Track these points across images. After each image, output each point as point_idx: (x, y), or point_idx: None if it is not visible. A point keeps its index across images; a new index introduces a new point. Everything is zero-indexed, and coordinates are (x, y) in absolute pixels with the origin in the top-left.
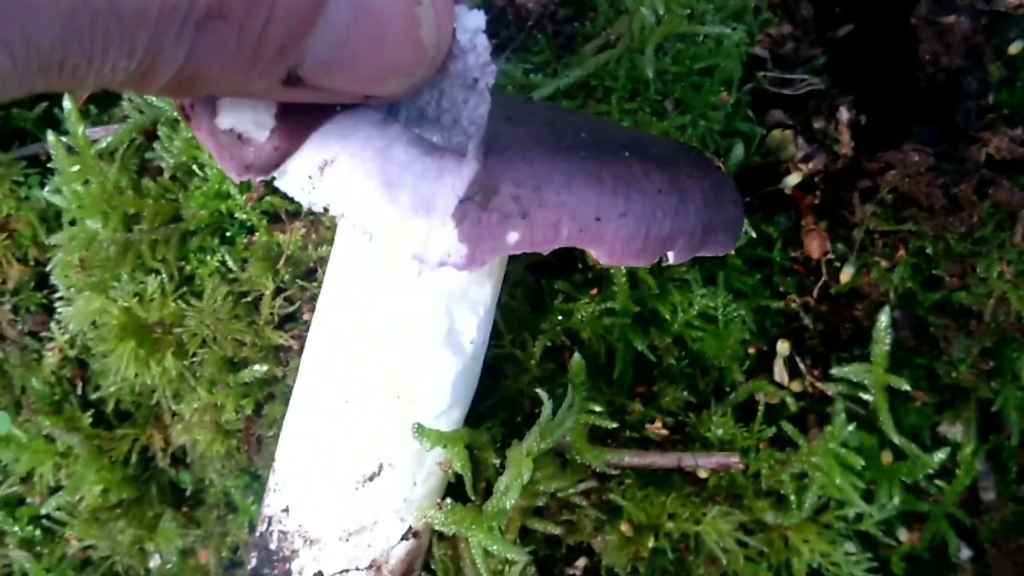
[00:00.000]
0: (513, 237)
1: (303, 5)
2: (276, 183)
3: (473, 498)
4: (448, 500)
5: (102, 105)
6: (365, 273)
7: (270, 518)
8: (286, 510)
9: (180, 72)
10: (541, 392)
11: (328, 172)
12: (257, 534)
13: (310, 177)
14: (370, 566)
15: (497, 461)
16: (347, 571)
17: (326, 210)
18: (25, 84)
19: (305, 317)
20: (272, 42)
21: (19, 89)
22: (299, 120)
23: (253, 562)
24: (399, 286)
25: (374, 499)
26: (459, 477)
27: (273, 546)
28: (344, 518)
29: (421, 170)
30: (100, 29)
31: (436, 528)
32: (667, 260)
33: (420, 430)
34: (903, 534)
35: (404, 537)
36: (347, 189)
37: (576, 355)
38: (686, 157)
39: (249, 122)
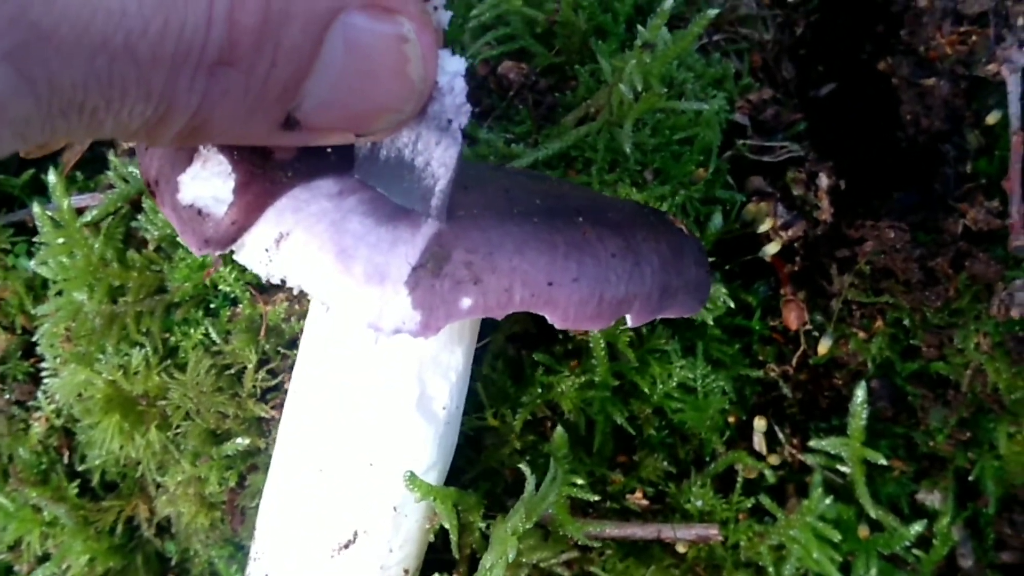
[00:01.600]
0: (466, 303)
1: (303, 48)
2: (235, 256)
3: (457, 558)
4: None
5: (89, 171)
6: (334, 342)
7: None
8: None
9: (193, 118)
10: (524, 467)
11: (284, 245)
12: None
13: (266, 250)
14: None
15: (483, 525)
16: None
17: (283, 282)
18: (47, 126)
19: (286, 387)
20: (276, 86)
21: (41, 132)
22: (256, 194)
23: None
24: (368, 354)
25: (349, 566)
26: (437, 542)
27: None
28: None
29: (375, 240)
30: (118, 71)
31: None
32: (625, 323)
33: (413, 479)
34: None
35: None
36: (302, 261)
37: (559, 428)
38: (644, 220)
39: (208, 197)
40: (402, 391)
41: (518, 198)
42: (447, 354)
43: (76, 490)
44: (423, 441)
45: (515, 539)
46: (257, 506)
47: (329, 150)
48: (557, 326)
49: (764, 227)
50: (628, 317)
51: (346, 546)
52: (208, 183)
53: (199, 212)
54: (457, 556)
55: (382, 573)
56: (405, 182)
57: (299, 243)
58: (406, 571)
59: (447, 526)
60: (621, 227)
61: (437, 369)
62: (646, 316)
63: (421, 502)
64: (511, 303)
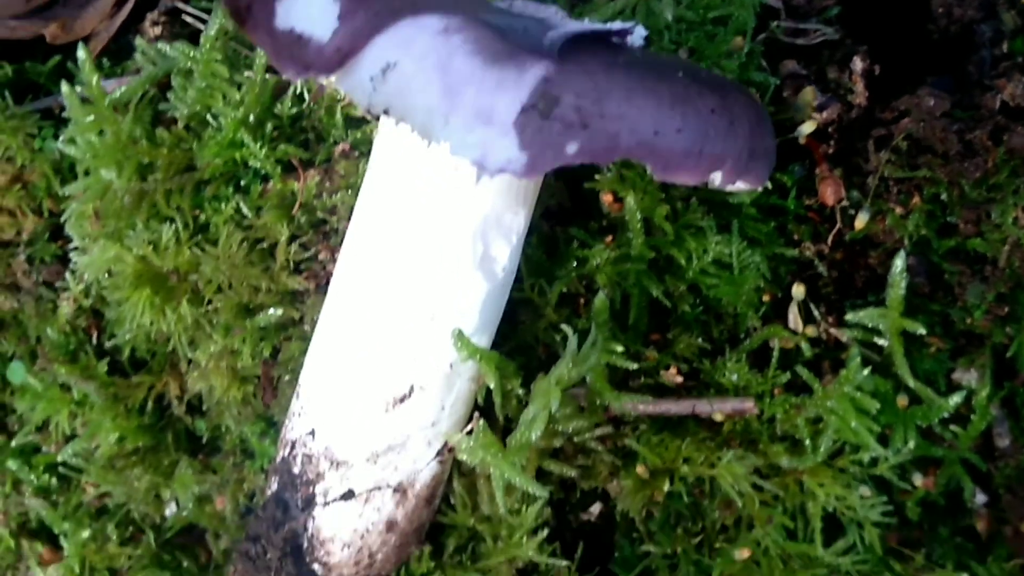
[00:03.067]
0: (573, 147)
1: None
2: (336, 83)
3: (500, 419)
4: (481, 421)
5: (115, 58)
6: (403, 194)
7: (293, 442)
8: (311, 433)
9: None
10: (567, 328)
11: (390, 76)
12: (278, 459)
13: (371, 79)
14: (396, 488)
15: (521, 391)
16: (374, 491)
17: (386, 112)
18: None
19: (320, 258)
20: None
21: None
22: (362, 22)
23: (274, 486)
24: (438, 208)
25: (403, 421)
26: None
27: (296, 469)
28: (373, 440)
29: (482, 79)
30: None
31: (460, 456)
32: (712, 182)
33: (460, 338)
34: (918, 479)
35: (431, 461)
36: (408, 93)
37: (599, 294)
38: (733, 85)
39: (310, 23)
40: (467, 248)
41: (619, 49)
42: (511, 215)
43: (105, 368)
44: (480, 301)
45: (558, 390)
46: (290, 380)
47: None
48: (656, 176)
49: (809, 125)
50: (718, 175)
51: (401, 400)
52: (310, 7)
53: (299, 37)
54: (500, 419)
55: (432, 431)
56: (520, 19)
57: (406, 75)
58: (452, 432)
59: (491, 385)
60: (716, 86)
61: (500, 229)
62: (732, 177)
63: (470, 362)
64: (616, 150)
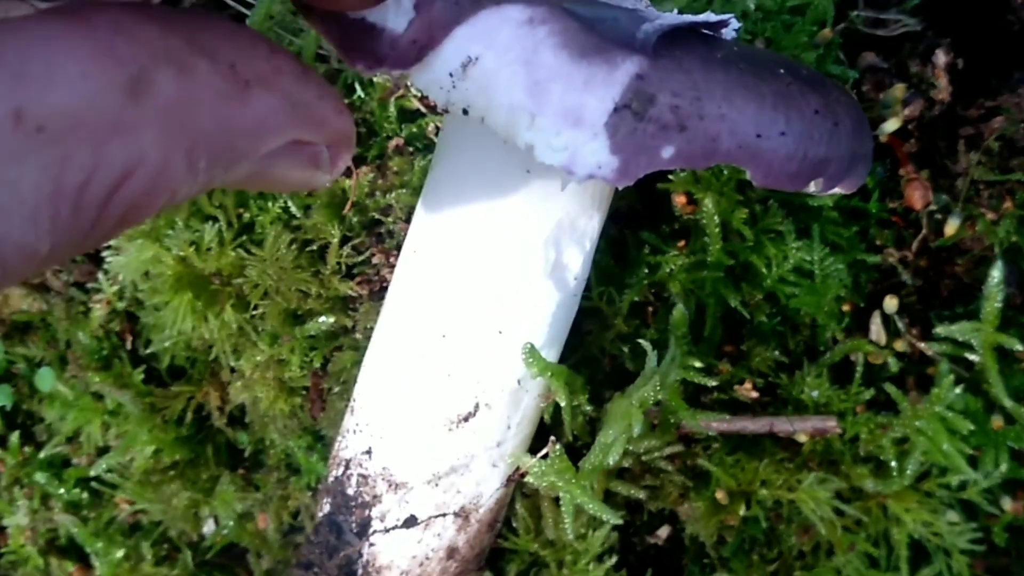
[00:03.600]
0: (669, 151)
1: None
2: (411, 80)
3: (569, 438)
4: (558, 445)
5: None
6: (472, 198)
7: (348, 461)
8: (368, 452)
9: None
10: (645, 343)
11: (471, 71)
12: (331, 479)
13: (451, 75)
14: (458, 513)
15: (589, 408)
16: (435, 518)
17: (465, 111)
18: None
19: (374, 262)
20: None
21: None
22: (440, 12)
23: (326, 508)
24: (508, 213)
25: (468, 441)
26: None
27: (351, 491)
28: (434, 461)
29: (569, 76)
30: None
31: (530, 479)
32: (812, 188)
33: (532, 352)
34: (1007, 503)
35: (495, 484)
36: (490, 90)
37: (679, 306)
38: (833, 83)
39: (383, 12)
40: (538, 256)
41: (714, 42)
42: (585, 219)
43: (142, 376)
44: (551, 312)
45: (640, 412)
46: (341, 391)
47: None
48: (756, 183)
49: (893, 123)
50: (818, 182)
51: (466, 419)
52: None
53: (371, 28)
54: (569, 437)
55: (497, 451)
56: (607, 8)
57: (488, 70)
58: (519, 452)
59: (561, 403)
60: (818, 84)
61: (574, 235)
62: (834, 182)
63: (538, 378)
64: (715, 154)
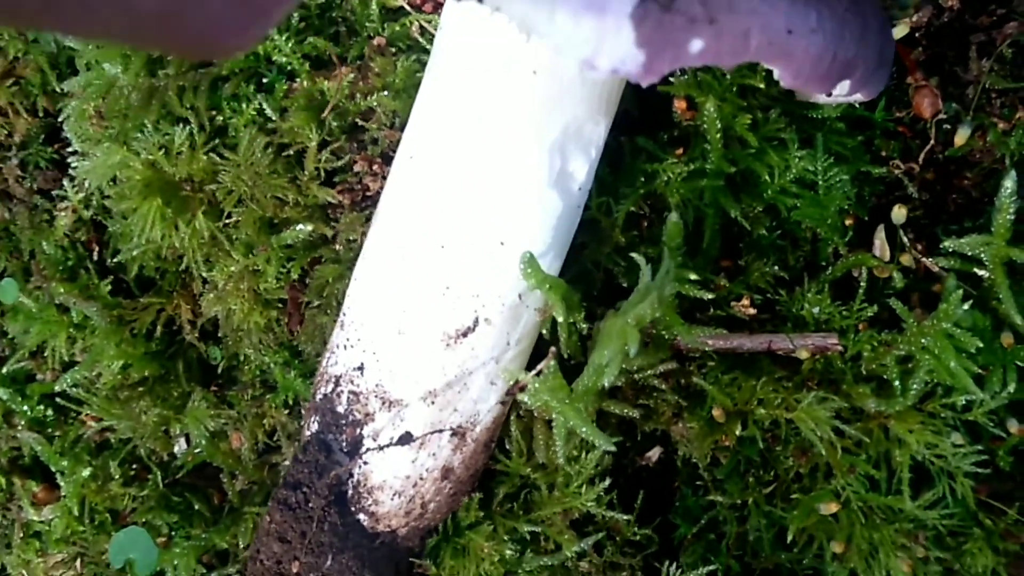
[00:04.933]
0: (697, 45)
1: None
2: None
3: (565, 356)
4: (552, 362)
5: None
6: (472, 101)
7: (337, 377)
8: (360, 368)
9: None
10: (638, 257)
11: None
12: (319, 396)
13: None
14: (455, 432)
15: (585, 326)
16: (431, 435)
17: (480, 0)
18: None
19: (355, 168)
20: None
21: None
22: None
23: (313, 426)
24: (513, 118)
25: (466, 357)
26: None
27: (341, 408)
28: (431, 377)
29: None
30: None
31: (524, 398)
32: (837, 92)
33: (531, 263)
34: (1013, 425)
35: (493, 402)
36: None
37: (673, 216)
38: None
39: None
40: (543, 163)
41: None
42: (592, 126)
43: (109, 287)
44: (554, 223)
45: (636, 331)
46: (321, 305)
47: None
48: (784, 83)
49: (901, 28)
50: (846, 84)
51: (464, 334)
52: None
53: None
54: (566, 354)
55: (495, 368)
56: None
57: None
58: (516, 370)
59: (559, 319)
60: None
61: (579, 142)
62: (860, 86)
63: (538, 292)
64: (745, 50)
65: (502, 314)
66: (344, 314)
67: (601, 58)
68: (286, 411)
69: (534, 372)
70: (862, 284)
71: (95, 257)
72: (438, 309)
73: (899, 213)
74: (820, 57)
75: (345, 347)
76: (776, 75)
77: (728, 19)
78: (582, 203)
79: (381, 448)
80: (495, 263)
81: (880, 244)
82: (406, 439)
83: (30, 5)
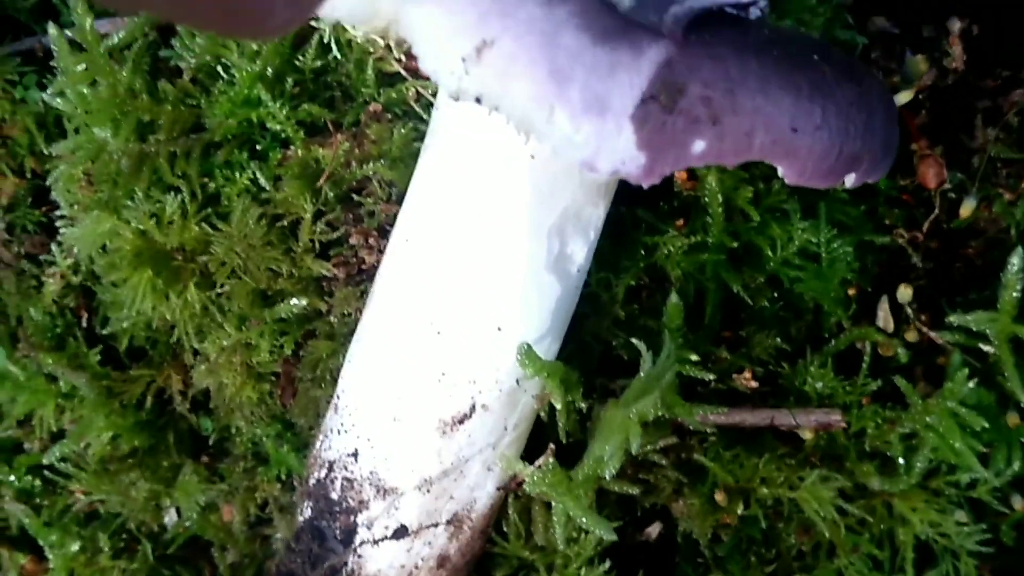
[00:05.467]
0: (699, 146)
1: None
2: (420, 63)
3: (563, 440)
4: (551, 459)
5: None
6: (469, 185)
7: (331, 463)
8: (354, 455)
9: None
10: (639, 343)
11: (486, 56)
12: (312, 481)
13: (463, 60)
14: (450, 521)
15: (584, 405)
16: (426, 527)
17: (477, 100)
18: None
19: (351, 241)
20: None
21: None
22: None
23: (307, 512)
24: (511, 202)
25: (462, 445)
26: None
27: (335, 495)
28: (426, 465)
29: (592, 61)
30: None
31: (527, 488)
32: (844, 184)
33: (528, 354)
34: (1017, 501)
35: (489, 489)
36: (507, 77)
37: (673, 296)
38: (863, 68)
39: None
40: (541, 247)
41: (742, 24)
42: (591, 208)
43: (98, 357)
44: (552, 306)
45: (639, 427)
46: (315, 380)
47: None
48: (789, 181)
49: (905, 95)
50: (851, 177)
51: (461, 421)
52: None
53: None
54: (564, 440)
55: (492, 454)
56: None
57: (504, 55)
58: (513, 454)
59: (557, 405)
60: (852, 71)
61: (578, 224)
62: (865, 177)
63: (535, 377)
64: (748, 150)
65: (499, 400)
66: (338, 397)
67: (601, 160)
68: (278, 484)
69: (534, 467)
70: (866, 358)
71: (84, 324)
72: (434, 396)
73: (905, 293)
74: (825, 154)
75: (339, 432)
76: (780, 172)
77: (731, 119)
78: (581, 284)
79: (376, 542)
80: (493, 349)
81: (884, 316)
82: (401, 532)
83: None
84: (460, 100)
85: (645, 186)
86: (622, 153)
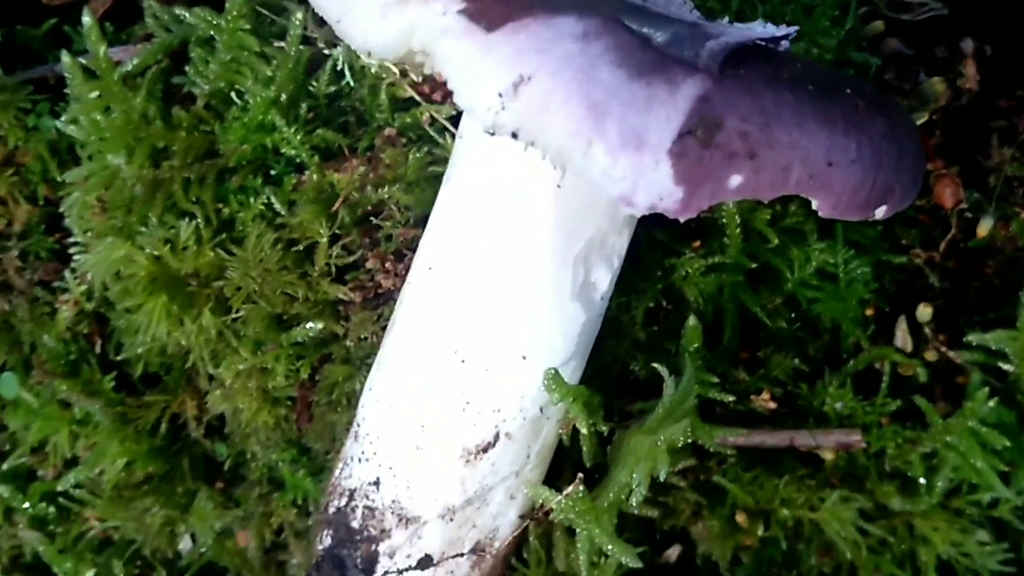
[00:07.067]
0: (736, 180)
1: None
2: (454, 98)
3: (588, 465)
4: (581, 487)
5: (120, 21)
6: (497, 214)
7: (352, 491)
8: (375, 483)
9: None
10: (661, 368)
11: (523, 91)
12: (332, 509)
13: (500, 95)
14: (473, 549)
15: (605, 429)
16: (449, 556)
17: (514, 135)
18: None
19: (367, 265)
20: None
21: None
22: (491, 20)
23: (327, 541)
24: (537, 230)
25: (485, 473)
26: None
27: (356, 524)
28: (449, 494)
29: (629, 96)
30: None
31: (555, 517)
32: (874, 216)
33: (555, 379)
34: None
35: (512, 517)
36: (544, 113)
37: (691, 319)
38: (892, 101)
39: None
40: (566, 276)
41: (775, 57)
42: (615, 236)
43: (112, 383)
44: (576, 334)
45: (667, 454)
46: (331, 404)
47: None
48: (822, 214)
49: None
50: (883, 208)
51: (484, 450)
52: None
53: None
54: (588, 464)
55: (515, 482)
56: (663, 21)
57: (542, 91)
58: (536, 481)
59: (582, 431)
60: (883, 105)
61: (603, 252)
62: (895, 208)
63: (560, 404)
64: (785, 184)
65: (523, 428)
66: (358, 425)
67: (639, 195)
68: (294, 509)
69: (562, 495)
70: (885, 378)
71: (98, 351)
72: (458, 424)
73: (924, 312)
74: (860, 187)
75: (360, 460)
76: (815, 205)
77: (768, 153)
78: (604, 310)
79: (400, 572)
80: (517, 378)
81: (902, 335)
82: (426, 562)
83: None
84: (496, 135)
85: (682, 220)
86: (659, 187)
